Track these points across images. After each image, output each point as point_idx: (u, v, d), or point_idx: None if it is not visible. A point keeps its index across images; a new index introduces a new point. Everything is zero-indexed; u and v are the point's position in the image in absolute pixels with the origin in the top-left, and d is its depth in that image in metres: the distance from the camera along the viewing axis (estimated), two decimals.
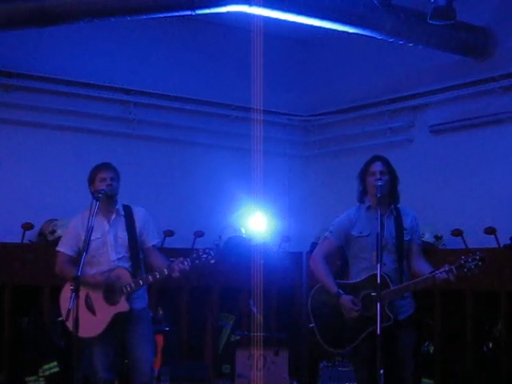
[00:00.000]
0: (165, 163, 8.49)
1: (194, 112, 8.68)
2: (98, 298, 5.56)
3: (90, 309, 5.55)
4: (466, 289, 7.05)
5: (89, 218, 5.32)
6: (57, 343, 7.19)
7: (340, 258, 5.86)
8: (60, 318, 5.70)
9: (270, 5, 6.58)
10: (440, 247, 7.55)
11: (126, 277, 5.55)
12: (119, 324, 5.56)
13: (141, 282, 5.55)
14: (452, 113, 7.99)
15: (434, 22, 6.78)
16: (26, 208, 7.55)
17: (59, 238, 6.52)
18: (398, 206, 5.44)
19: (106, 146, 8.01)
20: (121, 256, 5.63)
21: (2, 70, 7.64)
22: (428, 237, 7.41)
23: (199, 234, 8.05)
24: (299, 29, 7.73)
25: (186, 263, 5.49)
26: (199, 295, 8.09)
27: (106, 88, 8.18)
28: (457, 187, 7.85)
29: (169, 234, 7.79)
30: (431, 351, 7.42)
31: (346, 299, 5.29)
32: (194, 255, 5.56)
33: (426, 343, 7.47)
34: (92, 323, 5.48)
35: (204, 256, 5.56)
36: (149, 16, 6.80)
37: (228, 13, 6.65)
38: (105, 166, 5.69)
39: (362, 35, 7.23)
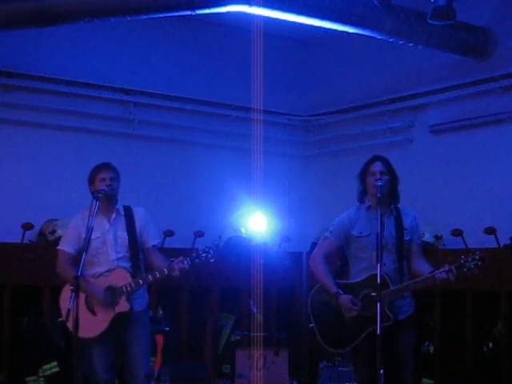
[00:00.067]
0: (165, 163, 8.49)
1: (194, 112, 8.68)
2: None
3: (91, 309, 5.55)
4: (466, 289, 7.05)
5: (89, 218, 5.33)
6: (57, 343, 7.18)
7: (340, 258, 5.86)
8: (60, 319, 5.70)
9: (270, 5, 6.58)
10: (440, 247, 7.55)
11: (126, 277, 5.55)
12: (119, 324, 5.56)
13: (141, 281, 5.55)
14: (452, 113, 7.99)
15: (434, 22, 6.78)
16: (26, 208, 7.55)
17: (59, 237, 6.52)
18: (398, 206, 5.44)
19: (106, 146, 8.02)
20: (121, 256, 5.63)
21: (2, 69, 7.64)
22: (428, 237, 7.41)
23: (199, 234, 8.05)
24: (299, 29, 7.73)
25: (185, 262, 5.50)
26: (199, 295, 8.09)
27: (106, 88, 8.18)
28: (457, 187, 7.85)
29: (169, 234, 7.79)
30: (431, 351, 7.42)
31: (345, 299, 5.29)
32: (194, 254, 5.56)
33: (426, 343, 7.47)
34: (92, 323, 5.48)
35: (204, 255, 5.56)
36: (149, 16, 6.80)
37: (228, 13, 6.65)
38: (105, 166, 5.69)
39: (362, 35, 7.23)
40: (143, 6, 6.53)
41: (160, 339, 7.31)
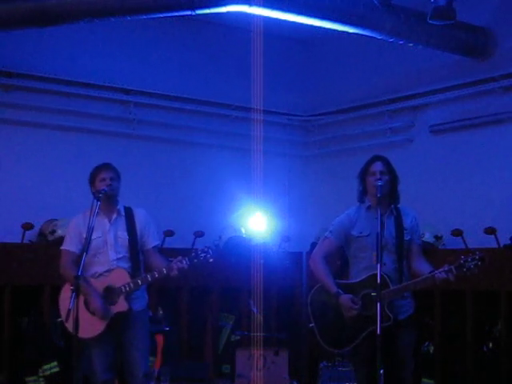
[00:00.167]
0: (165, 163, 8.49)
1: (194, 112, 8.68)
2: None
3: (90, 309, 5.55)
4: (465, 289, 7.05)
5: (89, 218, 5.34)
6: (57, 343, 7.18)
7: (340, 258, 5.86)
8: (59, 319, 5.70)
9: (270, 5, 6.58)
10: (440, 247, 7.54)
11: (125, 277, 5.55)
12: (118, 324, 5.56)
13: (139, 281, 5.55)
14: (452, 113, 7.99)
15: (434, 22, 6.78)
16: (26, 208, 7.55)
17: (59, 237, 6.54)
18: (398, 206, 5.45)
19: (106, 146, 8.01)
20: (121, 256, 5.63)
21: (2, 69, 7.64)
22: (428, 237, 7.40)
23: (199, 234, 8.05)
24: (299, 29, 7.73)
25: (184, 262, 5.51)
26: (199, 295, 8.09)
27: (106, 88, 8.18)
28: (457, 187, 7.84)
29: (169, 234, 7.79)
30: (431, 351, 7.41)
31: (345, 298, 5.29)
32: (193, 254, 5.57)
33: (426, 343, 7.46)
34: (91, 323, 5.48)
35: (203, 255, 5.57)
36: (149, 16, 6.80)
37: (228, 13, 6.65)
38: (105, 167, 5.70)
39: (362, 35, 7.23)
40: (143, 6, 6.53)
41: (160, 339, 7.31)
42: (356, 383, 5.65)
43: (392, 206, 5.41)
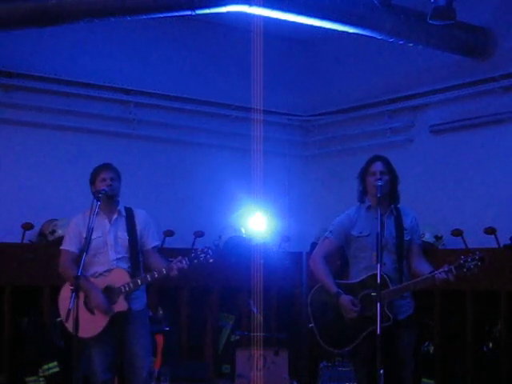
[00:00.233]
0: (165, 163, 8.49)
1: (194, 112, 8.68)
2: None
3: (89, 308, 5.55)
4: (465, 289, 7.05)
5: (89, 218, 5.34)
6: (57, 343, 7.18)
7: (340, 258, 5.86)
8: (59, 319, 5.70)
9: (270, 5, 6.58)
10: (440, 247, 7.54)
11: (125, 277, 5.55)
12: (118, 324, 5.56)
13: (139, 281, 5.56)
14: (452, 113, 7.99)
15: (434, 22, 6.78)
16: (26, 208, 7.55)
17: (59, 237, 6.53)
18: (398, 206, 5.45)
19: (106, 146, 8.01)
20: (120, 256, 5.64)
21: (2, 70, 7.64)
22: (428, 237, 7.40)
23: (199, 234, 8.05)
24: (299, 29, 7.73)
25: (184, 262, 5.51)
26: (199, 295, 8.09)
27: (106, 88, 8.18)
28: (457, 187, 7.84)
29: (169, 234, 7.79)
30: (431, 351, 7.41)
31: (345, 299, 5.29)
32: (193, 254, 5.57)
33: (426, 343, 7.46)
34: (91, 323, 5.48)
35: (202, 255, 5.57)
36: (149, 16, 6.80)
37: (228, 13, 6.65)
38: (105, 167, 5.71)
39: (362, 35, 7.23)
40: (143, 6, 6.54)
41: (160, 339, 7.30)
42: (356, 383, 5.65)
43: (392, 206, 5.41)
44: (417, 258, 5.41)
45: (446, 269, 5.12)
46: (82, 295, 5.35)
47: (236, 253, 8.05)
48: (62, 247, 5.75)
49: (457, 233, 7.32)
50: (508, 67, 7.47)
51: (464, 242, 7.28)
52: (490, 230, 7.04)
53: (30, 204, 7.61)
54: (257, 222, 8.51)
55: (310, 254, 7.35)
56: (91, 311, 5.55)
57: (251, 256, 7.95)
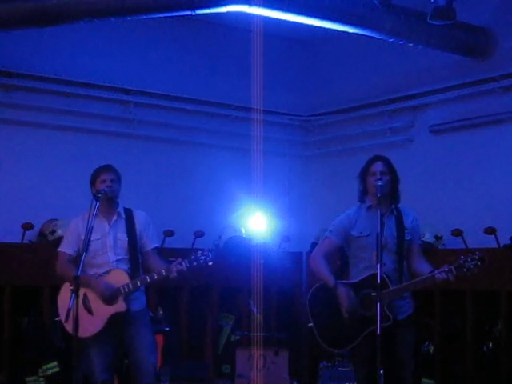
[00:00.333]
0: (165, 163, 8.49)
1: (194, 112, 8.68)
2: (95, 297, 5.56)
3: (88, 308, 5.55)
4: (465, 289, 7.05)
5: (89, 219, 5.33)
6: (57, 343, 7.18)
7: (340, 258, 5.85)
8: (57, 318, 5.70)
9: (270, 5, 6.58)
10: (440, 247, 7.54)
11: (124, 278, 5.55)
12: (117, 324, 5.56)
13: (138, 282, 5.55)
14: (452, 113, 7.99)
15: (434, 22, 6.78)
16: (26, 208, 7.55)
17: (59, 238, 6.53)
18: (399, 206, 5.44)
19: (106, 146, 8.02)
20: (120, 258, 5.64)
21: (2, 70, 7.64)
22: (428, 237, 7.40)
23: (199, 234, 8.05)
24: (299, 29, 7.73)
25: (183, 264, 5.51)
26: (199, 295, 8.09)
27: (106, 88, 8.18)
28: (457, 187, 7.84)
29: (169, 234, 7.79)
30: (431, 351, 7.42)
31: (342, 291, 5.28)
32: (193, 257, 5.57)
33: (426, 343, 7.47)
34: (89, 323, 5.47)
35: (202, 258, 5.57)
36: (149, 16, 6.79)
37: (228, 13, 6.65)
38: (105, 168, 5.71)
39: (362, 35, 7.23)
40: (143, 6, 6.53)
41: (160, 339, 7.30)
42: (356, 383, 5.64)
43: (393, 205, 5.41)
44: (417, 258, 5.41)
45: (446, 269, 5.12)
46: (80, 295, 5.32)
47: (236, 253, 8.05)
48: (59, 249, 5.75)
49: (457, 233, 7.32)
50: (508, 67, 7.47)
51: (464, 242, 7.28)
52: (490, 230, 7.04)
53: (30, 204, 7.61)
54: (257, 222, 8.51)
55: (309, 253, 7.35)
56: (89, 311, 5.55)
57: (251, 256, 7.95)
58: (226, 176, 8.37)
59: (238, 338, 8.02)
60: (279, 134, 9.19)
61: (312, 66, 9.48)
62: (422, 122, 8.30)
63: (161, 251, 5.98)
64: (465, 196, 7.76)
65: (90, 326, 5.49)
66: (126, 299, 5.53)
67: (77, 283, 5.12)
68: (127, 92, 8.33)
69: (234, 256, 8.01)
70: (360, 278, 5.33)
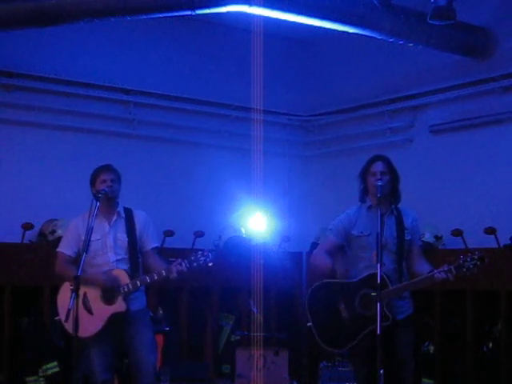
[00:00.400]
0: (165, 163, 8.49)
1: (194, 112, 8.68)
2: (95, 297, 5.57)
3: (87, 308, 5.55)
4: (465, 289, 7.05)
5: (89, 219, 5.33)
6: (57, 343, 7.18)
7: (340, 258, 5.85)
8: (57, 317, 5.70)
9: (270, 5, 6.58)
10: (440, 247, 7.54)
11: (124, 278, 5.55)
12: (117, 324, 5.55)
13: (138, 282, 5.55)
14: (452, 113, 7.99)
15: (434, 22, 6.78)
16: (26, 208, 7.55)
17: (59, 238, 6.52)
18: (399, 206, 5.44)
19: (106, 146, 8.02)
20: (120, 258, 5.63)
21: (3, 69, 7.65)
22: (428, 237, 7.40)
23: (199, 234, 8.05)
24: (299, 29, 7.73)
25: (183, 265, 5.51)
26: (199, 295, 8.09)
27: (106, 88, 8.18)
28: (457, 187, 7.84)
29: (169, 234, 7.79)
30: (431, 351, 7.42)
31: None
32: (192, 257, 5.56)
33: (426, 343, 7.47)
34: (89, 322, 5.47)
35: (202, 258, 5.57)
36: (149, 16, 6.79)
37: (228, 13, 6.65)
38: (106, 168, 5.70)
39: (362, 35, 7.23)
40: (143, 6, 6.54)
41: (160, 339, 7.30)
42: (356, 383, 5.64)
43: (393, 205, 5.41)
44: (417, 258, 5.41)
45: (445, 268, 5.12)
46: (80, 294, 5.33)
47: (236, 253, 8.05)
48: (58, 249, 5.75)
49: (457, 233, 7.32)
50: (508, 67, 7.47)
51: (464, 242, 7.28)
52: (490, 230, 7.04)
53: (30, 204, 7.61)
54: (257, 222, 8.51)
55: (309, 253, 7.36)
56: (89, 311, 5.55)
57: (251, 256, 7.95)
58: (225, 176, 8.37)
59: (238, 337, 8.02)
60: (279, 134, 9.19)
61: (312, 66, 9.48)
62: (421, 122, 8.30)
63: (161, 251, 5.98)
64: (465, 196, 7.76)
65: (90, 325, 5.49)
66: (126, 299, 5.53)
67: (77, 283, 5.12)
68: (127, 92, 8.33)
69: (234, 256, 8.00)
70: (359, 277, 5.33)
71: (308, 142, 9.51)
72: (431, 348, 7.42)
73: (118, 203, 5.73)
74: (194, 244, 7.98)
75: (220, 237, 8.20)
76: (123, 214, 5.72)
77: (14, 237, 7.31)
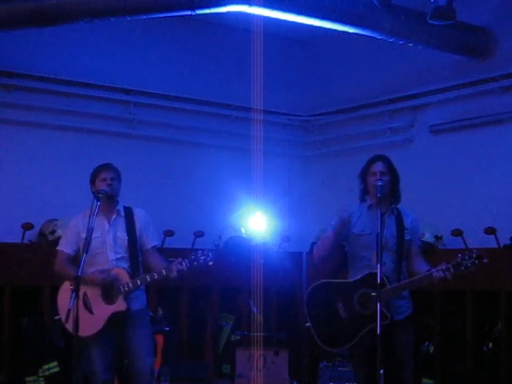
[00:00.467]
0: (165, 163, 8.49)
1: (194, 112, 8.68)
2: (95, 296, 5.56)
3: (88, 307, 5.55)
4: (465, 289, 7.05)
5: (89, 218, 5.33)
6: (57, 343, 7.19)
7: (340, 257, 5.85)
8: (57, 317, 5.69)
9: (270, 5, 6.58)
10: (440, 247, 7.54)
11: (124, 277, 5.55)
12: (117, 323, 5.55)
13: (139, 282, 5.55)
14: (452, 113, 7.99)
15: (434, 22, 6.78)
16: (26, 208, 7.55)
17: (59, 237, 6.51)
18: (398, 207, 5.44)
19: (106, 145, 8.02)
20: (120, 256, 5.63)
21: (3, 69, 7.65)
22: (428, 237, 7.40)
23: (199, 234, 8.05)
24: (299, 29, 7.73)
25: (184, 264, 5.50)
26: (199, 295, 8.09)
27: (106, 88, 8.18)
28: (457, 187, 7.84)
29: (169, 234, 7.79)
30: (431, 351, 7.42)
31: None
32: (193, 257, 5.56)
33: (426, 343, 7.47)
34: (89, 322, 5.46)
35: (202, 258, 5.56)
36: (149, 16, 6.80)
37: (228, 13, 6.65)
38: (105, 167, 5.70)
39: (362, 35, 7.23)
40: (143, 6, 6.54)
41: (160, 339, 7.31)
42: (356, 383, 5.64)
43: (393, 205, 5.41)
44: (416, 259, 5.40)
45: (443, 267, 5.11)
46: (80, 294, 5.32)
47: (236, 253, 8.04)
48: (58, 248, 5.74)
49: (457, 233, 7.32)
50: (508, 67, 7.47)
51: (464, 242, 7.28)
52: (490, 230, 7.04)
53: (30, 204, 7.61)
54: (257, 222, 8.51)
55: (309, 254, 7.37)
56: (89, 310, 5.55)
57: (251, 256, 7.95)
58: (226, 176, 8.37)
59: (238, 337, 8.02)
60: (279, 134, 9.19)
61: (312, 66, 9.48)
62: (421, 121, 8.30)
63: (161, 251, 5.98)
64: (465, 196, 7.76)
65: (90, 325, 5.48)
66: (127, 298, 5.53)
67: (77, 283, 5.12)
68: (127, 92, 8.33)
69: (234, 256, 8.00)
70: (358, 276, 5.32)
71: (308, 141, 9.51)
72: (431, 348, 7.43)
73: (117, 202, 5.73)
74: (194, 244, 7.98)
75: (220, 237, 8.20)
76: (123, 213, 5.71)
77: (14, 237, 7.32)
